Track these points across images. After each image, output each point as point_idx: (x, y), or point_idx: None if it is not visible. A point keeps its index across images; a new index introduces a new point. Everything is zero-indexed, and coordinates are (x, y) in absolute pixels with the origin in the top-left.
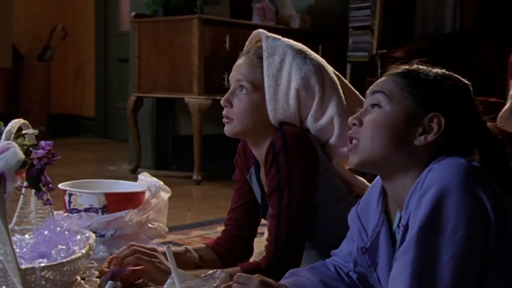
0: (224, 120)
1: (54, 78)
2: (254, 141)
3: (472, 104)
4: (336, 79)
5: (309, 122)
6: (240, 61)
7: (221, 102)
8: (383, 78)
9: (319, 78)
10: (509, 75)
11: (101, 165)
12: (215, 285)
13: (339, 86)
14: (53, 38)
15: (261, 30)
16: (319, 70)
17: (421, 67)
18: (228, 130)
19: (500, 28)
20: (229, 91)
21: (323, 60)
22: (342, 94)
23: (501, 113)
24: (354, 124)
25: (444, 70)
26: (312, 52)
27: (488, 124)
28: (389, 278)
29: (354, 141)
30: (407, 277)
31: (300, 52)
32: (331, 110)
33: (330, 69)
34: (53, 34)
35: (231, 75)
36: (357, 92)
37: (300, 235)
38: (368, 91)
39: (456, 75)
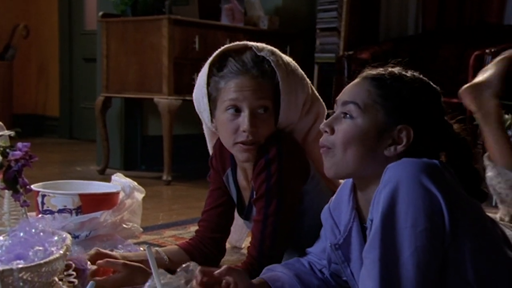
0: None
1: (17, 77)
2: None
3: (441, 110)
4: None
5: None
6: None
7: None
8: (356, 83)
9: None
10: (470, 77)
11: (68, 166)
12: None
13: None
14: (14, 37)
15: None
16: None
17: (395, 71)
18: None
19: (461, 31)
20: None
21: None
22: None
23: (467, 86)
24: (325, 131)
25: (417, 74)
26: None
27: (455, 126)
28: (359, 277)
29: (325, 148)
30: (375, 275)
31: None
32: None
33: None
34: (15, 33)
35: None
36: (321, 99)
37: (284, 242)
38: (340, 97)
39: (428, 81)
